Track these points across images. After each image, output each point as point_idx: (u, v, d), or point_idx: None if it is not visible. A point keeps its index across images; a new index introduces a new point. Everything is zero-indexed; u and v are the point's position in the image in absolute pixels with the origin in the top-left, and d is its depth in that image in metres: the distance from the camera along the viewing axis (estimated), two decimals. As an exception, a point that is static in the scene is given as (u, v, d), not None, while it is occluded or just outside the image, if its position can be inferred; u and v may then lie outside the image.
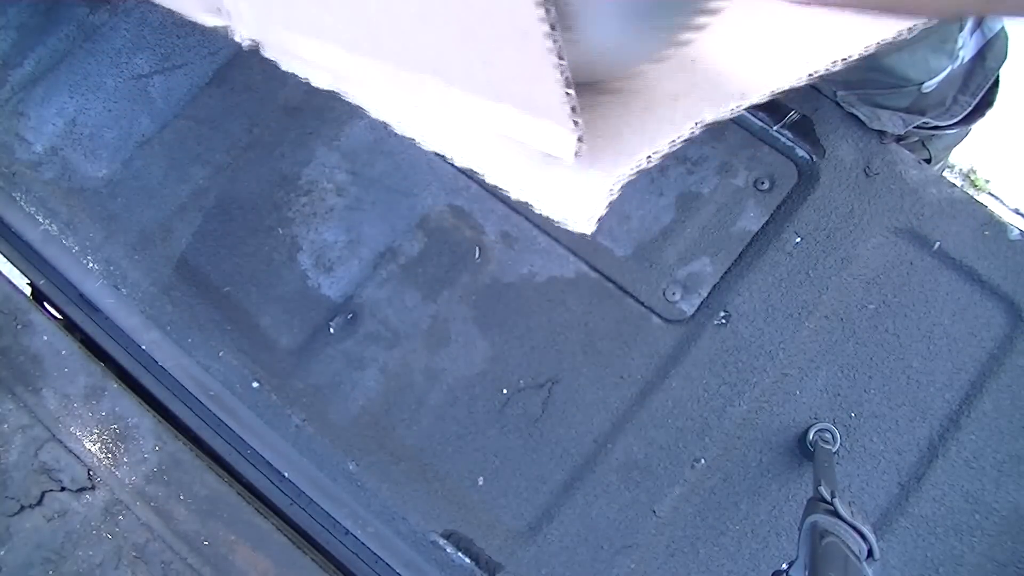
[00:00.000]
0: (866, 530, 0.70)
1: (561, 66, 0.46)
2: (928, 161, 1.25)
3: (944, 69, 1.10)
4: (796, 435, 0.98)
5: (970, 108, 1.20)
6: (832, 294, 1.02)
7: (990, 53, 1.15)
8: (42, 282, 1.06)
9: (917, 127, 1.17)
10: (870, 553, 0.69)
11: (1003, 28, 1.15)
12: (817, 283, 1.03)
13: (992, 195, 2.24)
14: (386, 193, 1.08)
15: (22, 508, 0.92)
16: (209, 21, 0.59)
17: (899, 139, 1.20)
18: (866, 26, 0.64)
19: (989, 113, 1.27)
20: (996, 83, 1.23)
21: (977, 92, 1.18)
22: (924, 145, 1.26)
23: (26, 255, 1.07)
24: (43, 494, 0.92)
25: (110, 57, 1.13)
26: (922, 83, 1.10)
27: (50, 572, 0.88)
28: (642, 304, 1.03)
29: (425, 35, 0.55)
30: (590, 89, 0.59)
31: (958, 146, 1.38)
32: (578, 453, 0.98)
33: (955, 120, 1.19)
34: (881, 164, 1.07)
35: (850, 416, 0.99)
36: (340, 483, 0.96)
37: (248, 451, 0.98)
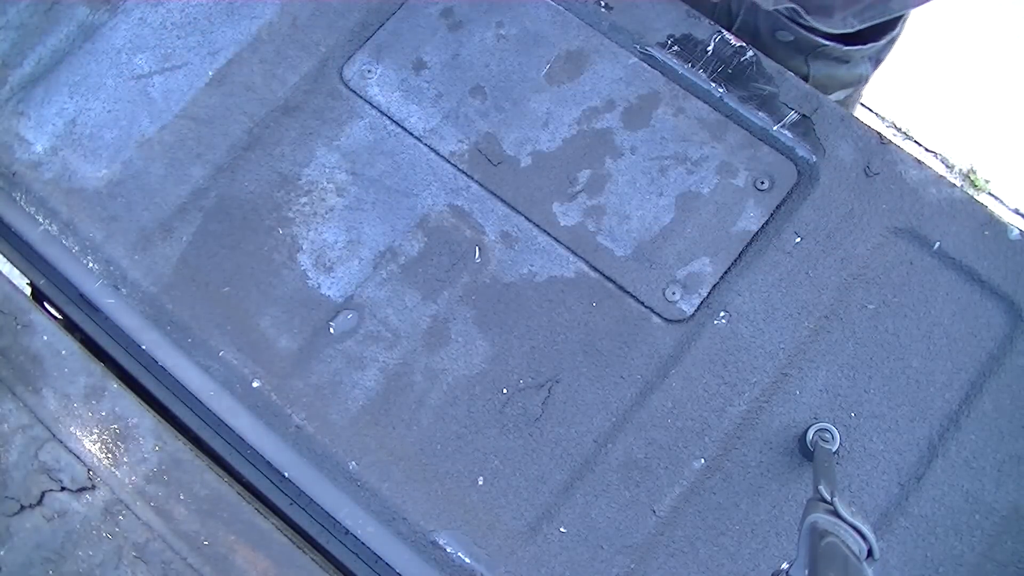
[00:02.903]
0: (866, 530, 0.70)
1: None
2: (805, 79, 1.20)
3: None
4: (796, 435, 0.98)
5: (852, 31, 1.17)
6: (832, 294, 1.02)
7: None
8: (42, 282, 1.06)
9: (795, 20, 1.13)
10: (870, 553, 0.70)
11: None
12: (817, 283, 1.03)
13: (992, 195, 2.25)
14: (386, 193, 1.08)
15: (22, 508, 0.92)
16: None
17: (774, 35, 1.16)
18: None
19: (888, 59, 1.22)
20: (894, 24, 1.20)
21: (866, 20, 1.16)
22: (806, 61, 1.22)
23: (26, 255, 1.07)
24: (43, 494, 0.92)
25: (110, 57, 1.13)
26: None
27: (50, 572, 0.88)
28: (642, 304, 1.03)
29: None
30: None
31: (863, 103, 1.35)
32: (578, 453, 0.98)
33: (833, 31, 1.16)
34: (881, 164, 1.07)
35: (850, 416, 0.99)
36: (340, 483, 0.96)
37: (248, 451, 0.98)
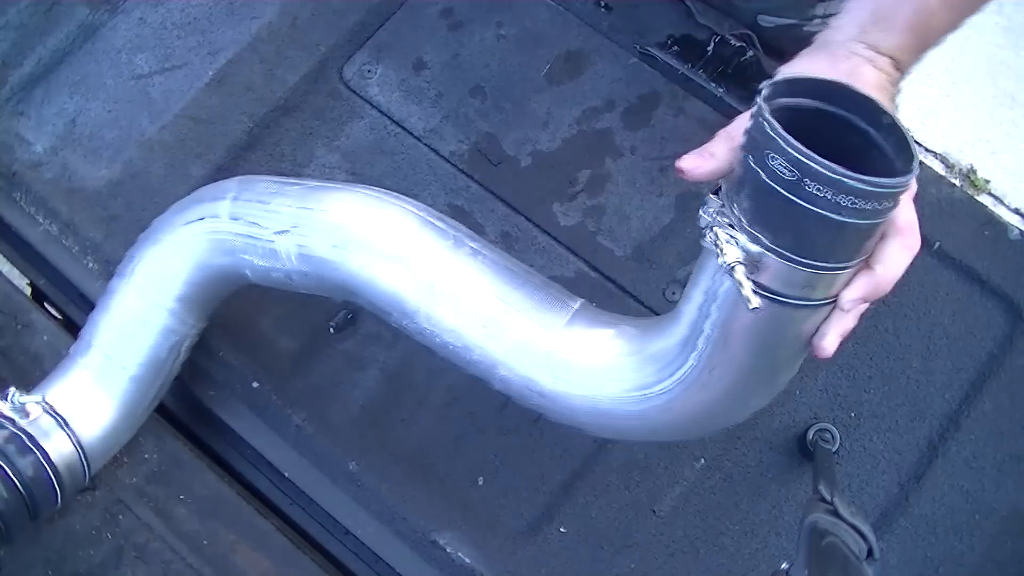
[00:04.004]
0: (866, 530, 0.70)
1: None
2: None
3: (783, 19, 1.07)
4: (796, 435, 0.98)
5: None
6: (832, 294, 1.02)
7: None
8: (42, 282, 1.06)
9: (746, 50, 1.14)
10: (870, 553, 0.70)
11: None
12: (817, 283, 1.03)
13: (992, 195, 2.24)
14: (386, 193, 1.07)
15: (22, 508, 0.91)
16: None
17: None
18: None
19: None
20: None
21: None
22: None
23: (26, 255, 1.07)
24: (43, 494, 0.92)
25: (110, 57, 1.13)
26: (758, 15, 1.08)
27: (50, 572, 0.88)
28: (642, 304, 1.03)
29: None
30: None
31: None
32: (578, 453, 0.98)
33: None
34: (881, 164, 1.07)
35: (850, 416, 0.99)
36: (340, 483, 0.96)
37: (248, 451, 0.98)
